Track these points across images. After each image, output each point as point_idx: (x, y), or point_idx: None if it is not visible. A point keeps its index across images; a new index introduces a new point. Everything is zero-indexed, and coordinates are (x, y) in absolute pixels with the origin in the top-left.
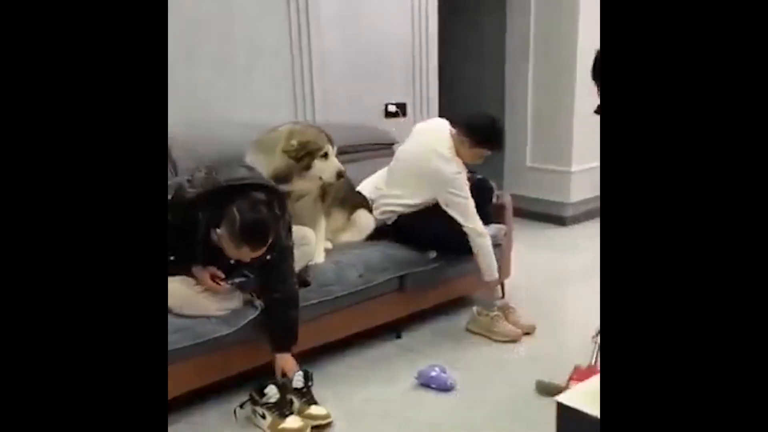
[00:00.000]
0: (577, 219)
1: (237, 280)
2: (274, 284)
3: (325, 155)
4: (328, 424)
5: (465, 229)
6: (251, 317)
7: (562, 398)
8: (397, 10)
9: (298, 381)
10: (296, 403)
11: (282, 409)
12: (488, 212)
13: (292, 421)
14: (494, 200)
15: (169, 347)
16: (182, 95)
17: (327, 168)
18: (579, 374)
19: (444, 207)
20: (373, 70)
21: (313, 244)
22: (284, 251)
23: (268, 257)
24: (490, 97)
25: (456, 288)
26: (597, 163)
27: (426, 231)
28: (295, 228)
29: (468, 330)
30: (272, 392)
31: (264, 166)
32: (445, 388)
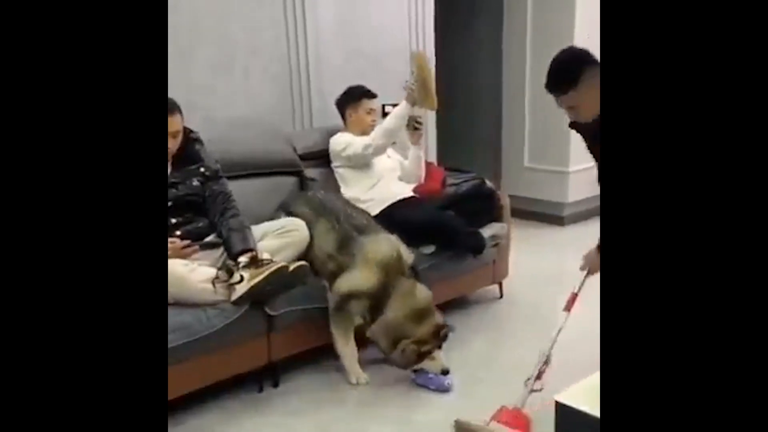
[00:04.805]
0: (575, 219)
1: (206, 240)
2: (223, 210)
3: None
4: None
5: (365, 151)
6: (245, 308)
7: (562, 398)
8: (394, 12)
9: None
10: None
11: (257, 263)
12: (491, 213)
13: (270, 264)
14: (496, 202)
15: (168, 346)
16: (181, 95)
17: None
18: (502, 416)
19: (347, 159)
20: (369, 72)
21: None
22: (217, 173)
23: (204, 170)
24: (487, 98)
25: (455, 288)
26: (594, 163)
27: (414, 222)
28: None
29: None
30: (244, 259)
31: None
32: (442, 388)
